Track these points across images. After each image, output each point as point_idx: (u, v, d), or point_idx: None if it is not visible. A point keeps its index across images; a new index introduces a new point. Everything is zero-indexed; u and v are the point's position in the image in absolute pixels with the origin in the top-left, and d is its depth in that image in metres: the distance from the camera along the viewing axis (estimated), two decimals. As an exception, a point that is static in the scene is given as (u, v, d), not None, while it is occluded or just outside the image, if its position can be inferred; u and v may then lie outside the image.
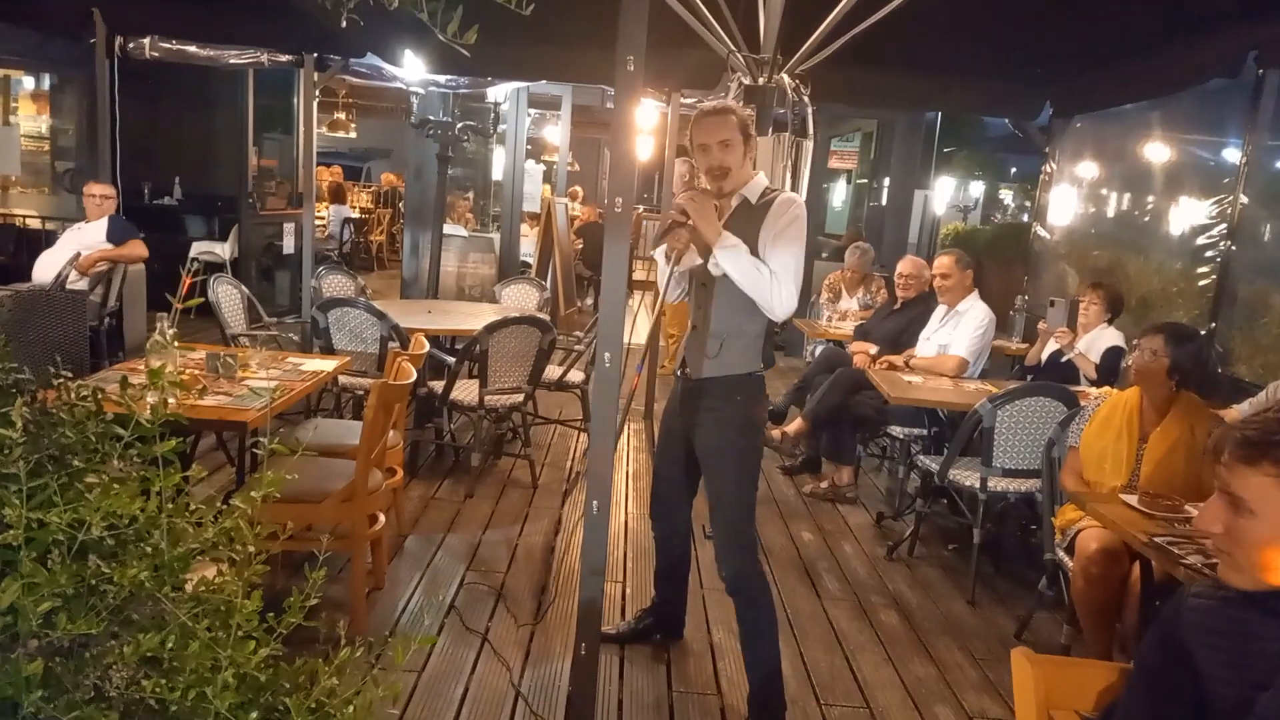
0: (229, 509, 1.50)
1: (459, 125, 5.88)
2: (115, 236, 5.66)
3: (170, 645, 1.33)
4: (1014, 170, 21.31)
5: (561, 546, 4.07)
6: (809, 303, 7.18)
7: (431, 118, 5.96)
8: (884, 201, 9.79)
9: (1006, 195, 22.63)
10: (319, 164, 14.20)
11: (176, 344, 2.90)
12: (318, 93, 6.53)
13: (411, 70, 5.72)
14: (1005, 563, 4.24)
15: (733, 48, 3.92)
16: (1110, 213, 6.32)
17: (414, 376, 3.34)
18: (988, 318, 4.73)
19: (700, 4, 3.93)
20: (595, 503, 2.23)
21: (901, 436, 4.81)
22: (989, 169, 20.37)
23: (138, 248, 5.66)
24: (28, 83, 9.03)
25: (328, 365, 3.64)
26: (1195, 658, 1.35)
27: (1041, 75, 5.84)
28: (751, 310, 2.64)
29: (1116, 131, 6.13)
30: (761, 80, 3.94)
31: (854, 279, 6.60)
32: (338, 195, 11.94)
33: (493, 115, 6.46)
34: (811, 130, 4.18)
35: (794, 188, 4.12)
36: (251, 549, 1.48)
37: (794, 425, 5.34)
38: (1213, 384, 4.28)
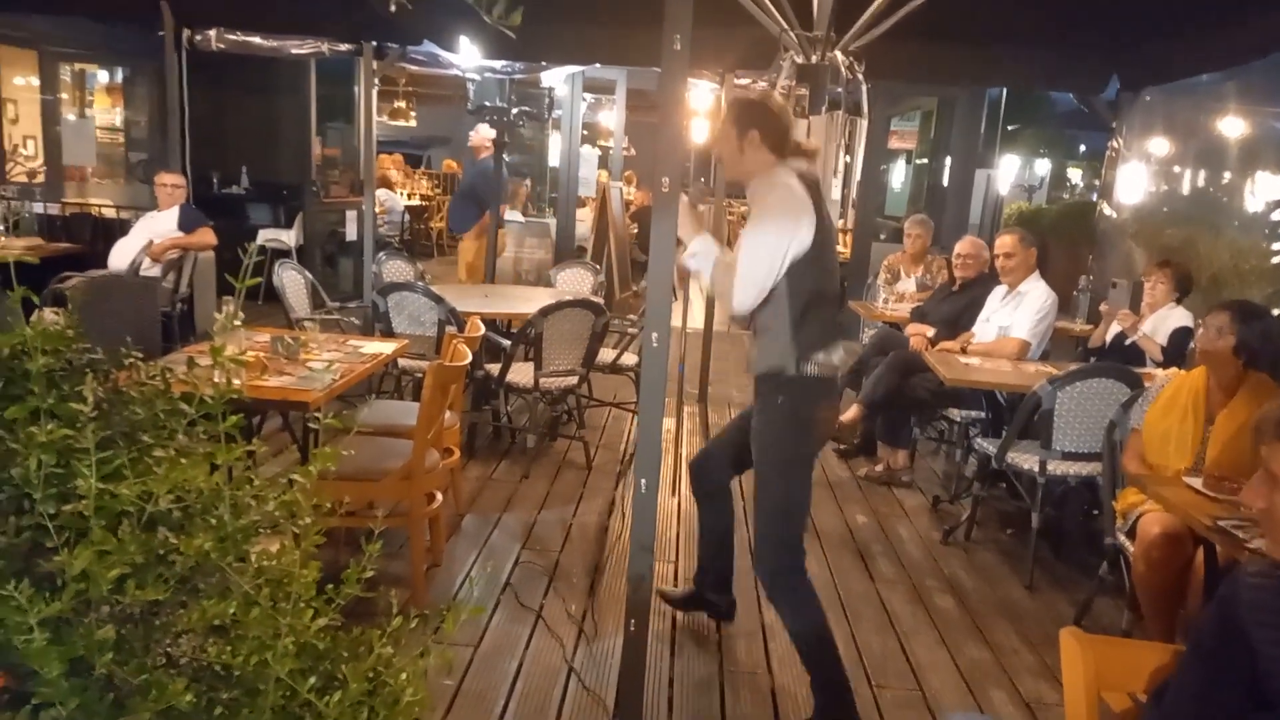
0: (288, 483, 1.56)
1: (514, 111, 5.92)
2: (186, 224, 5.84)
3: (233, 613, 1.38)
4: (1082, 148, 20.72)
5: (616, 527, 4.12)
6: (865, 285, 7.10)
7: (487, 103, 6.02)
8: (945, 181, 9.60)
9: (1074, 173, 22.01)
10: (381, 152, 14.48)
11: (240, 323, 2.99)
12: (377, 81, 6.64)
13: (467, 56, 5.78)
14: (1065, 548, 4.16)
15: (785, 26, 3.88)
16: (1181, 189, 6.11)
17: (469, 358, 3.40)
18: (1050, 299, 4.62)
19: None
20: (644, 480, 2.25)
21: (959, 419, 4.74)
22: (1056, 146, 19.85)
23: (207, 235, 5.84)
24: (102, 76, 9.33)
25: (387, 348, 3.72)
26: (1251, 637, 1.32)
27: (1107, 47, 5.66)
28: (770, 305, 2.52)
29: (1188, 104, 5.92)
30: (814, 58, 3.90)
31: (913, 259, 6.49)
32: (384, 182, 12.14)
33: (548, 100, 6.49)
34: (866, 109, 4.13)
35: (849, 168, 4.07)
36: (309, 520, 1.53)
37: (849, 412, 5.31)
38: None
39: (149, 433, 1.52)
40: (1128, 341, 4.56)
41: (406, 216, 11.41)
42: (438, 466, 3.33)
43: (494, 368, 4.73)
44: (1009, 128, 14.93)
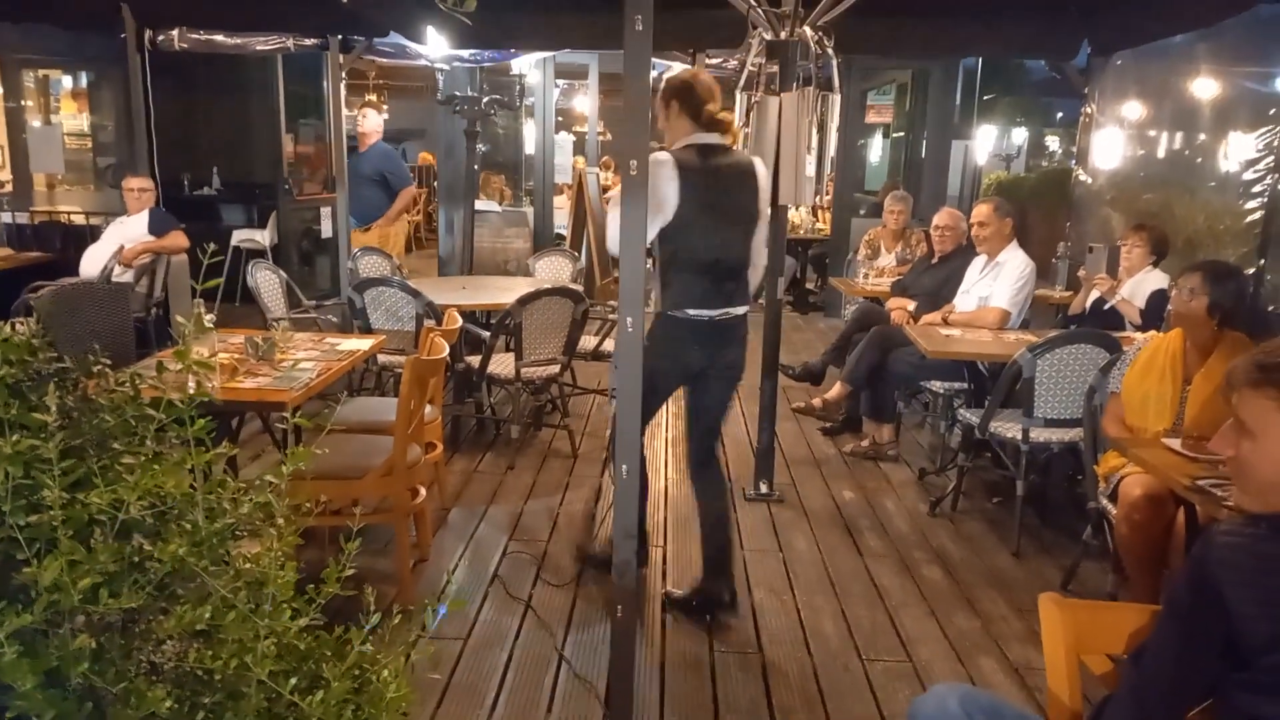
0: (262, 484, 1.54)
1: (485, 100, 5.87)
2: (156, 228, 5.78)
3: (210, 617, 1.37)
4: (1059, 115, 20.69)
5: (602, 513, 4.11)
6: (846, 260, 7.10)
7: (458, 94, 5.96)
8: (922, 154, 9.60)
9: (1052, 141, 22.04)
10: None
11: (212, 325, 2.97)
12: (344, 75, 6.57)
13: (434, 46, 5.73)
14: (1051, 514, 4.19)
15: (753, 3, 3.85)
16: (1155, 153, 6.11)
17: (446, 351, 3.38)
18: (1028, 267, 4.64)
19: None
20: (625, 466, 2.24)
21: (942, 391, 4.75)
22: (1033, 115, 19.81)
23: (178, 238, 5.78)
24: (66, 82, 9.20)
25: (364, 344, 3.69)
26: (1224, 595, 1.32)
27: (1077, 12, 5.66)
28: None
29: (1159, 67, 5.90)
30: (784, 35, 3.88)
31: (893, 233, 6.49)
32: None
33: (519, 88, 6.44)
34: (837, 84, 4.11)
35: (821, 144, 4.05)
36: (281, 521, 1.51)
37: (833, 391, 5.32)
38: (1262, 323, 4.16)
39: (119, 440, 1.50)
40: (1106, 306, 4.58)
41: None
42: (420, 461, 3.32)
43: (475, 360, 4.70)
44: (985, 98, 14.92)
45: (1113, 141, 6.13)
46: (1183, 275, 2.94)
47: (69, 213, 7.25)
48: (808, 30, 3.87)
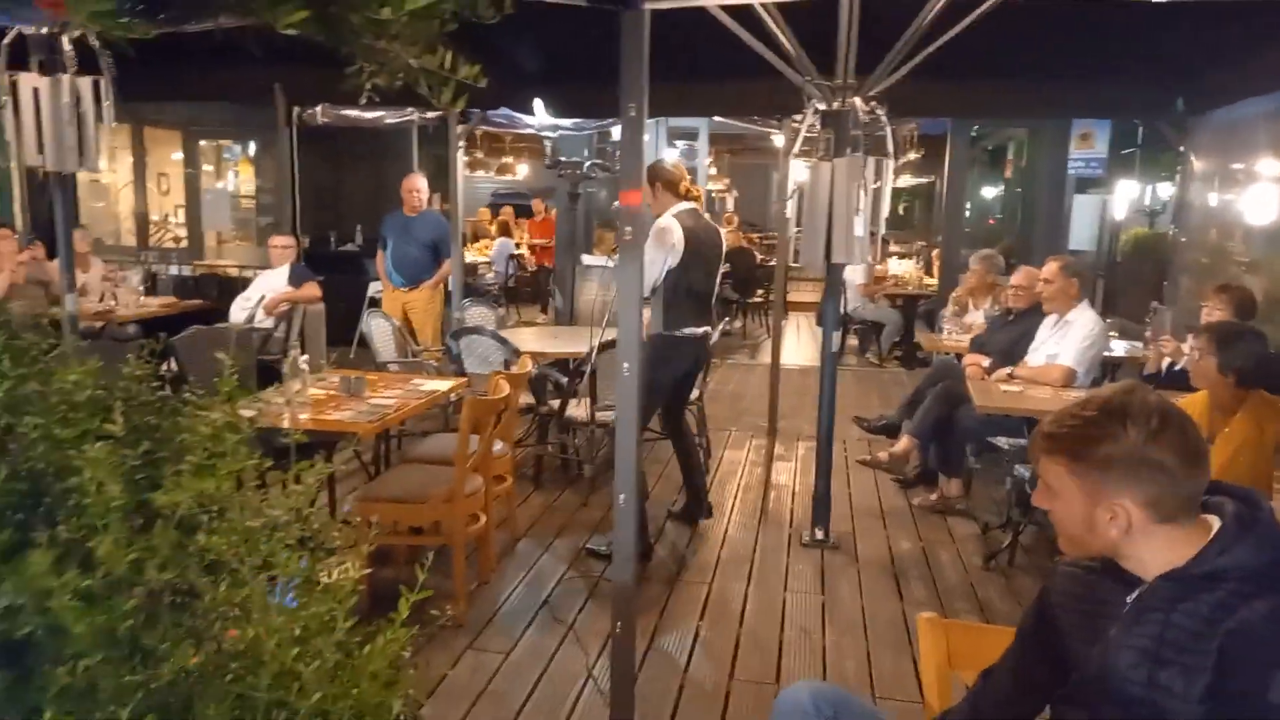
0: (295, 490, 1.91)
1: (587, 164, 6.35)
2: (294, 280, 6.51)
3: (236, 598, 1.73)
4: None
5: (660, 551, 4.37)
6: (939, 314, 7.14)
7: (563, 158, 6.47)
8: (1036, 210, 9.50)
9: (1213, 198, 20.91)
10: (498, 204, 15.26)
11: (303, 368, 3.47)
12: (462, 143, 7.19)
13: (539, 116, 6.26)
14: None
15: (806, 76, 4.13)
16: (1252, 210, 5.92)
17: (506, 391, 3.76)
18: (1097, 327, 4.66)
19: (780, 35, 4.16)
20: (623, 495, 2.52)
21: (1006, 447, 4.77)
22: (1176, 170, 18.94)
23: (312, 289, 6.49)
24: (235, 150, 10.39)
25: (443, 385, 4.13)
26: (1058, 620, 1.48)
27: (1169, 71, 5.62)
28: (655, 294, 4.14)
29: (1256, 124, 5.76)
30: (835, 105, 4.13)
31: (981, 290, 6.52)
32: (504, 230, 12.82)
33: (617, 153, 6.90)
34: (891, 149, 4.30)
35: (876, 206, 4.24)
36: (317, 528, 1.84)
37: (900, 444, 5.40)
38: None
39: (194, 453, 1.92)
40: (1177, 367, 4.51)
41: (513, 265, 12.07)
42: (480, 491, 3.69)
43: (557, 403, 5.08)
44: (1123, 151, 14.45)
45: (1210, 199, 5.99)
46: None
47: (225, 266, 8.19)
48: (858, 101, 4.10)
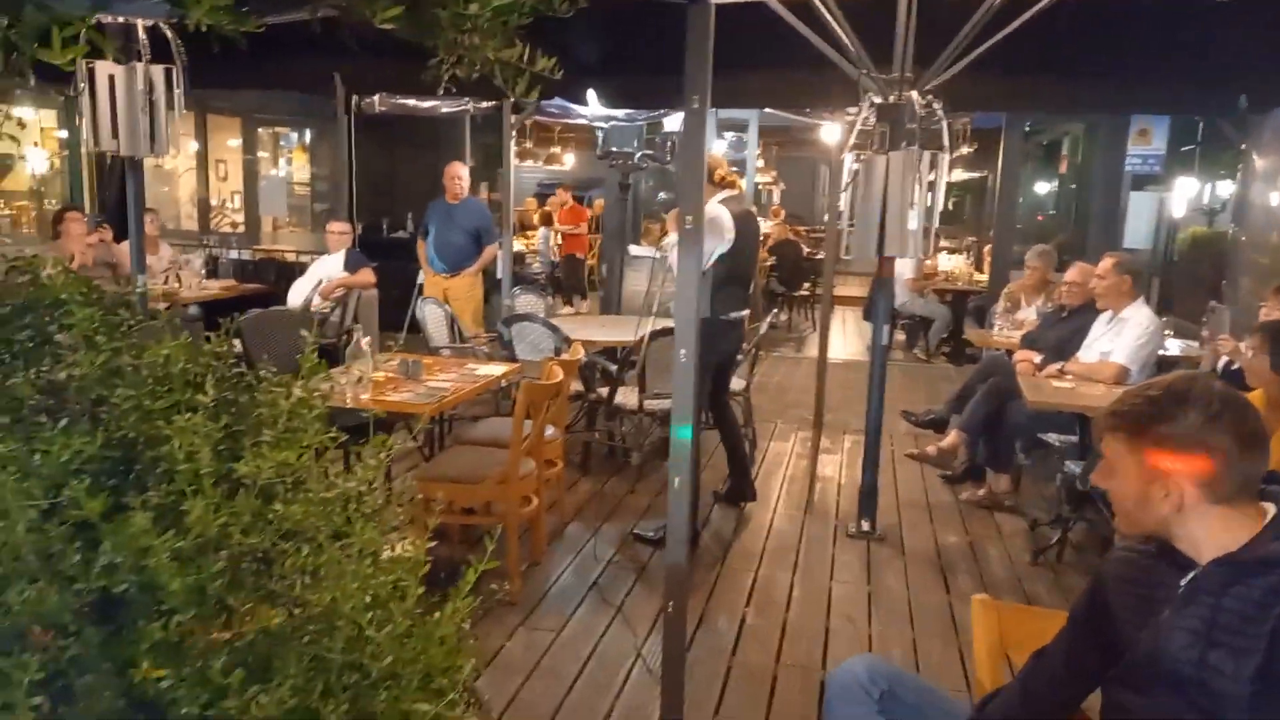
0: (368, 464, 2.00)
1: (637, 155, 6.40)
2: (350, 266, 6.66)
3: (313, 562, 1.82)
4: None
5: (704, 538, 4.43)
6: (989, 310, 7.09)
7: (614, 149, 6.53)
8: (1090, 207, 9.37)
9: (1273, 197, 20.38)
10: (544, 194, 15.35)
11: (365, 350, 3.58)
12: (514, 133, 7.29)
13: (592, 106, 6.33)
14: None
15: (862, 69, 4.15)
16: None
17: (559, 377, 3.83)
18: (1153, 324, 4.61)
19: (836, 26, 4.18)
20: (677, 479, 2.59)
21: (1056, 443, 4.75)
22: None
23: (367, 275, 6.63)
24: (293, 138, 10.61)
25: (497, 371, 4.22)
26: (1111, 604, 1.52)
27: (1231, 67, 5.52)
28: (703, 280, 3.87)
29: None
30: (891, 99, 4.14)
31: (1034, 288, 6.47)
32: (547, 220, 12.90)
33: (670, 144, 6.94)
34: (947, 143, 4.30)
35: (932, 200, 4.25)
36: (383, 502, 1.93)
37: (948, 439, 5.40)
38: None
39: (270, 427, 2.02)
40: (1234, 366, 4.46)
41: (557, 256, 12.15)
42: (533, 473, 3.77)
43: (606, 391, 5.15)
44: (1183, 148, 14.17)
45: (1271, 198, 5.88)
46: (1249, 335, 2.96)
47: (283, 251, 8.38)
48: (914, 95, 4.11)
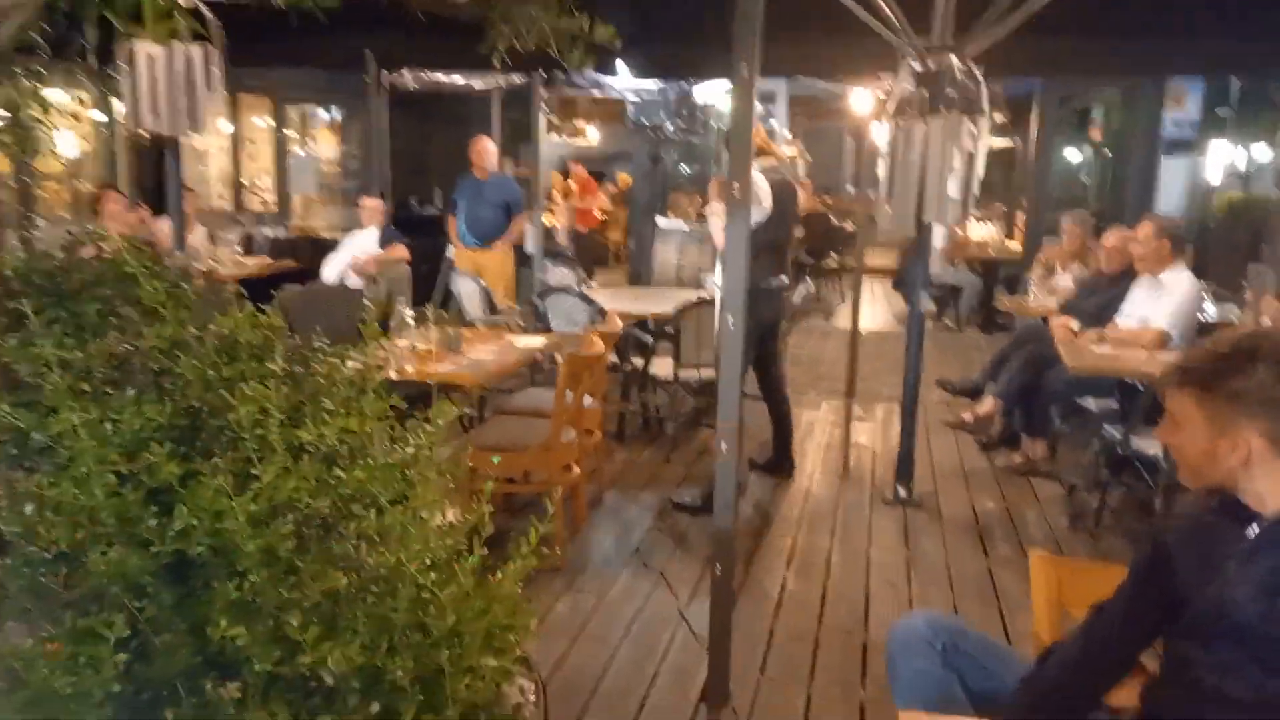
0: (428, 431, 2.04)
1: (670, 126, 6.40)
2: (384, 242, 6.72)
3: (378, 527, 1.88)
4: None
5: (742, 506, 4.47)
6: (1023, 278, 7.05)
7: (645, 121, 6.53)
8: (1124, 173, 9.24)
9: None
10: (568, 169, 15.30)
11: (410, 322, 3.64)
12: (544, 106, 7.29)
13: (621, 78, 6.31)
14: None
15: (900, 36, 4.12)
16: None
17: (600, 348, 3.87)
18: (1193, 288, 4.57)
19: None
20: (724, 444, 2.62)
21: (1095, 409, 4.73)
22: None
23: (399, 250, 6.69)
24: (324, 115, 10.65)
25: (537, 342, 4.27)
26: (1174, 560, 1.53)
27: (1276, 25, 5.41)
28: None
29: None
30: (930, 65, 4.10)
31: (1071, 253, 6.41)
32: (566, 194, 12.86)
33: (700, 116, 6.94)
34: (987, 107, 4.26)
35: (970, 167, 4.22)
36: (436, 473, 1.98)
37: (984, 406, 5.39)
38: None
39: (327, 396, 2.07)
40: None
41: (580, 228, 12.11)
42: (574, 442, 3.82)
43: (641, 362, 5.19)
44: (1217, 111, 13.90)
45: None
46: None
47: (315, 229, 8.46)
48: (954, 59, 4.07)
